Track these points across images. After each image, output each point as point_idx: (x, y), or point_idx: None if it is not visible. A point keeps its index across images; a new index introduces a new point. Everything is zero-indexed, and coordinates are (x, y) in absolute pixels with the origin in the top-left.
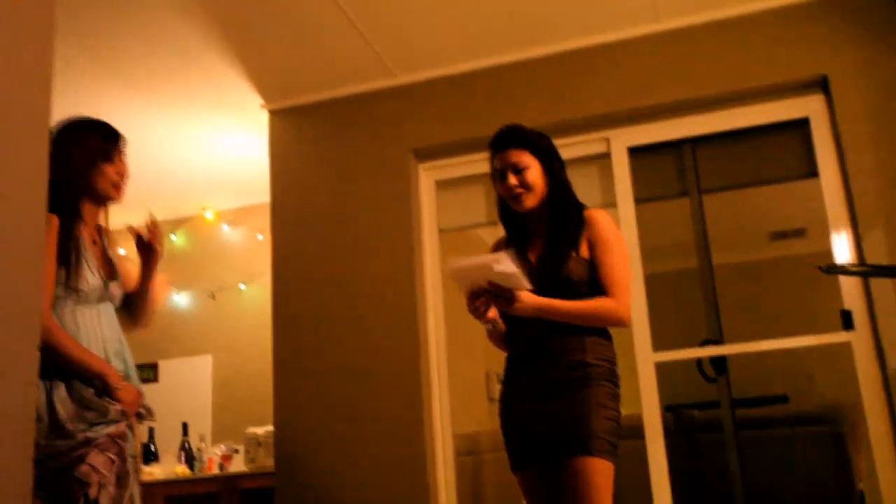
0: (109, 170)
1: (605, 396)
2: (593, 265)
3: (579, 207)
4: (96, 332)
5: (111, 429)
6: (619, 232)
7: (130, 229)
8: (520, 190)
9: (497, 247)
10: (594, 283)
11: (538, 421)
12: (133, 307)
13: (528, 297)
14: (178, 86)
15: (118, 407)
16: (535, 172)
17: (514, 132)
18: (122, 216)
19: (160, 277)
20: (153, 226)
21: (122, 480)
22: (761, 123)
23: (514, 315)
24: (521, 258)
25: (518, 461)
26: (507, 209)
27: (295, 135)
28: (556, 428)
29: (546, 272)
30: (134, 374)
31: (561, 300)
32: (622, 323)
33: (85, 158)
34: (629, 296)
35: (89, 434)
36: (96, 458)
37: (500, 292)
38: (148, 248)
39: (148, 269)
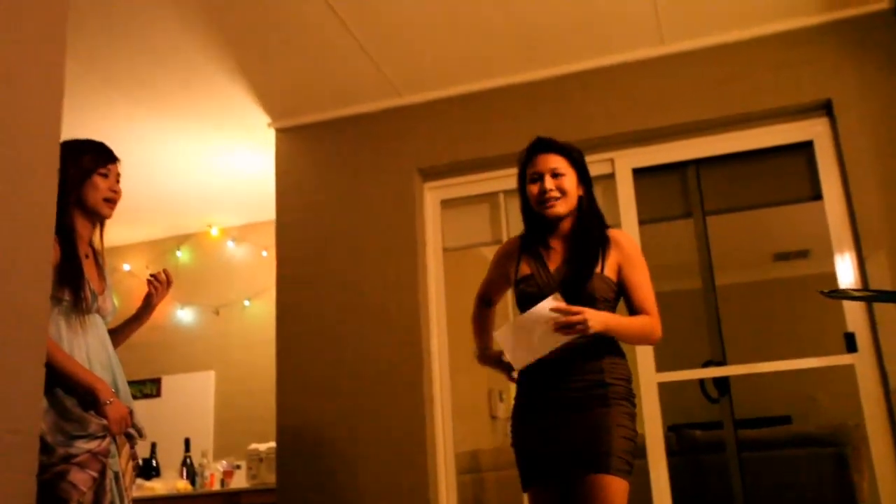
0: (102, 184)
1: (622, 416)
2: (620, 284)
3: (605, 226)
4: (80, 342)
5: (93, 445)
6: (641, 251)
7: (150, 277)
8: (556, 193)
9: (510, 246)
10: (614, 302)
11: (555, 439)
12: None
13: (596, 318)
14: (185, 104)
15: (102, 422)
16: (571, 181)
17: (554, 140)
18: (128, 232)
19: (139, 325)
20: (164, 280)
21: (98, 498)
22: (765, 146)
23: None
24: (540, 266)
25: (531, 478)
26: (532, 217)
27: (301, 153)
28: (573, 446)
29: (570, 287)
30: (123, 387)
31: (619, 317)
32: (657, 340)
33: (78, 172)
34: (658, 313)
35: (70, 450)
36: (77, 476)
37: (568, 327)
38: (148, 295)
39: (137, 317)
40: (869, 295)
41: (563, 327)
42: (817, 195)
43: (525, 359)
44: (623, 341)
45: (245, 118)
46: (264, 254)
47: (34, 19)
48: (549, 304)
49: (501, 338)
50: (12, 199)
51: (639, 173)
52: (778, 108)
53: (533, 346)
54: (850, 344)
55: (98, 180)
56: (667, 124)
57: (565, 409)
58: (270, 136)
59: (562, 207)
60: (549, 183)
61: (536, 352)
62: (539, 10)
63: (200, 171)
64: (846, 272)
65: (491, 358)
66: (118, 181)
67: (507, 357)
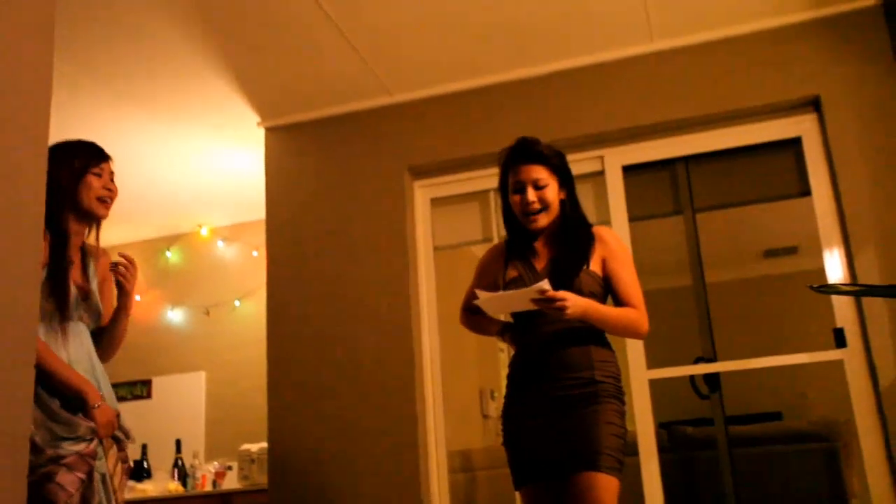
0: (96, 183)
1: (612, 413)
2: (606, 280)
3: (588, 225)
4: (60, 351)
5: (80, 447)
6: (626, 247)
7: (113, 264)
8: (538, 206)
9: (495, 252)
10: (601, 297)
11: (546, 437)
12: (99, 337)
13: (576, 304)
14: (175, 103)
15: (90, 425)
16: (552, 191)
17: (535, 147)
18: (118, 232)
19: (125, 315)
20: (127, 264)
21: (86, 499)
22: (754, 142)
23: (561, 318)
24: (527, 267)
25: (523, 477)
26: (514, 221)
27: (291, 152)
28: (563, 444)
29: (558, 284)
30: (108, 392)
31: (600, 305)
32: (644, 334)
33: (70, 173)
34: (645, 308)
35: (59, 451)
36: (65, 478)
37: (547, 303)
38: (119, 284)
39: (121, 307)
40: (858, 289)
41: (542, 301)
42: (806, 191)
43: (494, 310)
44: (606, 331)
45: (234, 117)
46: (255, 253)
47: (20, 18)
48: (536, 287)
49: (483, 296)
50: (0, 199)
51: (628, 170)
52: (766, 104)
53: (508, 307)
54: (840, 339)
55: (92, 179)
56: (656, 121)
57: (556, 407)
58: (260, 135)
59: (544, 220)
60: (532, 195)
61: (507, 310)
62: (528, 7)
63: (190, 171)
64: (835, 268)
65: (504, 329)
66: (112, 179)
67: (481, 301)
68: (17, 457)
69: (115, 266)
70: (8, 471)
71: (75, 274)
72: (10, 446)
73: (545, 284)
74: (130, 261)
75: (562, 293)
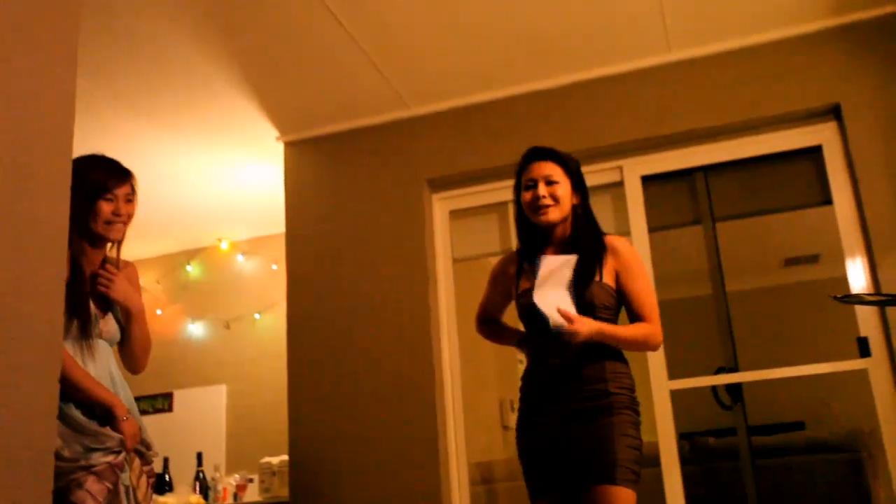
0: (105, 209)
1: (627, 425)
2: (619, 292)
3: (601, 233)
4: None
5: (111, 458)
6: (640, 257)
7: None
8: (548, 201)
9: (507, 261)
10: (615, 309)
11: (560, 450)
12: (120, 350)
13: (583, 331)
14: (194, 118)
15: (119, 436)
16: (564, 189)
17: (550, 149)
18: (138, 247)
19: (141, 325)
20: (105, 273)
21: None
22: (774, 151)
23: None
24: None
25: (538, 490)
26: (526, 225)
27: (310, 166)
28: (579, 457)
29: (571, 295)
30: (132, 408)
31: (610, 325)
32: (657, 346)
33: (81, 197)
34: (660, 319)
35: (90, 460)
36: (94, 486)
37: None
38: (104, 294)
39: (124, 316)
40: (882, 299)
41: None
42: (827, 200)
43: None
44: (620, 349)
45: (253, 132)
46: (274, 267)
47: (45, 40)
48: (555, 322)
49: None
50: (25, 216)
51: (648, 181)
52: (786, 113)
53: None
54: (864, 348)
55: (101, 206)
56: (675, 131)
57: (570, 419)
58: (279, 149)
59: (554, 214)
60: (543, 190)
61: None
62: (546, 19)
63: (210, 186)
64: (857, 276)
65: (522, 339)
66: (129, 199)
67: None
68: (43, 470)
69: (95, 278)
70: (33, 484)
71: (94, 293)
72: (35, 459)
73: (565, 324)
74: (108, 269)
75: (576, 321)
